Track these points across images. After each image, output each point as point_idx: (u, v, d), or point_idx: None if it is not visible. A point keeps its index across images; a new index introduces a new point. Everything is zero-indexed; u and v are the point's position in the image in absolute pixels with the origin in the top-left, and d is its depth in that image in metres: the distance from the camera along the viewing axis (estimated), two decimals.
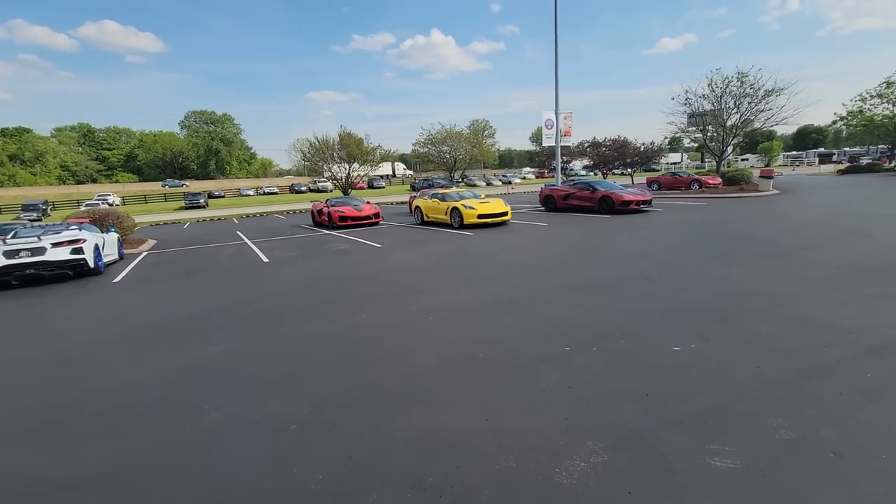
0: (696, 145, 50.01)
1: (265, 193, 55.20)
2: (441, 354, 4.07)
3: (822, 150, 73.73)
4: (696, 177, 26.54)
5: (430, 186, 29.22)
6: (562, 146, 21.91)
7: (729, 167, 32.71)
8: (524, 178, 70.34)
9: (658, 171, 53.53)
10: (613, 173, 39.94)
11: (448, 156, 42.31)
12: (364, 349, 4.36)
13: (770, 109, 29.08)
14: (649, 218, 13.74)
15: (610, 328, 4.43)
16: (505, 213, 13.96)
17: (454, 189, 18.76)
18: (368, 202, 17.63)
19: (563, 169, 34.50)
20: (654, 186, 27.52)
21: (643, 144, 37.34)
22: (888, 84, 34.68)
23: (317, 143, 30.54)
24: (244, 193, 54.22)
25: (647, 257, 7.92)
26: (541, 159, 50.61)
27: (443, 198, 15.06)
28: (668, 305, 5.07)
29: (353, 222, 15.99)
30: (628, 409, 2.93)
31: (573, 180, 21.23)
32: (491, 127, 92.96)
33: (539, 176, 72.90)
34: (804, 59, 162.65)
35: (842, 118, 38.67)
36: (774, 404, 2.88)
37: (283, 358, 4.28)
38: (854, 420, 2.66)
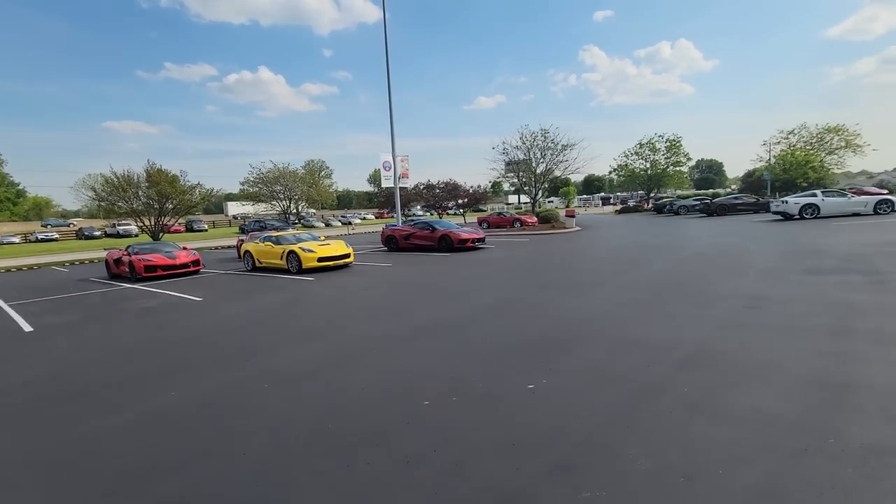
0: (513, 189, 57.46)
1: (40, 240, 43.49)
2: (279, 436, 3.31)
3: (603, 194, 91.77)
4: (518, 216, 30.08)
5: (263, 228, 26.78)
6: (400, 187, 22.50)
7: (541, 208, 38.17)
8: (364, 218, 70.60)
9: (485, 210, 59.79)
10: (448, 213, 42.72)
11: (282, 196, 39.79)
12: (172, 443, 3.31)
13: (567, 160, 35.13)
14: (484, 254, 14.75)
15: (466, 372, 4.27)
16: (347, 255, 13.38)
17: (290, 231, 17.44)
18: (185, 248, 15.09)
19: (403, 209, 35.77)
20: (484, 225, 30.22)
21: (472, 187, 41.35)
22: (640, 145, 45.32)
23: (115, 180, 25.36)
24: (4, 241, 41.62)
25: (487, 293, 8.27)
26: (380, 200, 51.50)
27: (277, 241, 13.76)
28: (515, 340, 5.19)
29: (165, 272, 13.36)
30: (499, 467, 2.70)
31: (413, 220, 21.82)
32: (328, 167, 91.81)
33: (379, 216, 74.04)
34: (586, 122, 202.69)
35: (613, 170, 48.86)
36: (625, 433, 2.98)
37: (33, 483, 2.97)
38: (688, 437, 2.88)
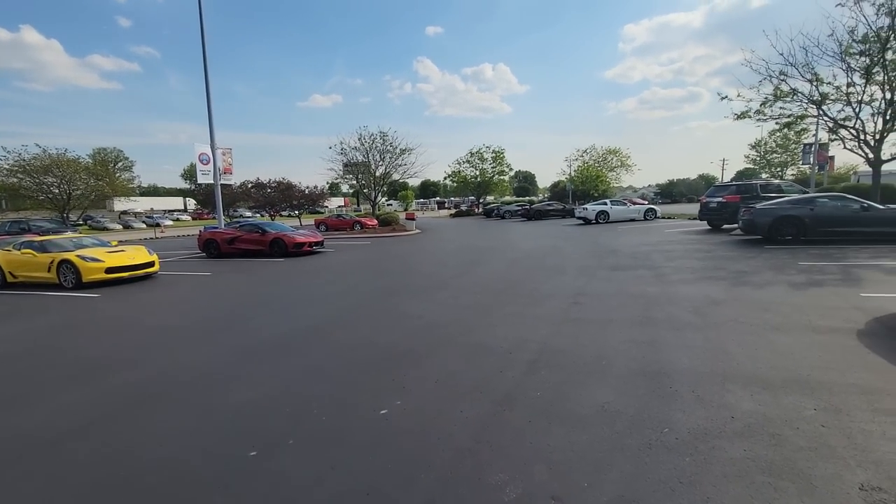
0: (352, 191, 56.35)
1: None
2: None
3: (438, 198, 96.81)
4: (358, 219, 29.38)
5: (26, 231, 20.54)
6: (223, 185, 19.71)
7: (380, 210, 38.18)
8: (178, 219, 60.89)
9: (322, 213, 57.25)
10: (281, 215, 39.46)
11: (57, 190, 31.53)
12: None
13: (405, 164, 35.77)
14: (324, 259, 13.76)
15: (306, 402, 3.59)
16: (150, 264, 10.95)
17: (68, 235, 13.64)
18: None
19: (227, 210, 31.61)
20: (323, 228, 28.73)
21: (308, 188, 38.95)
22: (471, 154, 49.01)
23: None
24: None
25: (329, 302, 7.54)
26: (198, 198, 44.89)
27: (42, 247, 10.51)
28: (363, 356, 4.67)
29: None
30: None
31: (238, 222, 19.35)
32: (127, 158, 76.84)
33: (198, 217, 64.78)
34: (421, 129, 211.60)
35: (448, 176, 51.83)
36: (490, 454, 2.74)
37: None
38: (549, 449, 2.78)
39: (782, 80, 15.24)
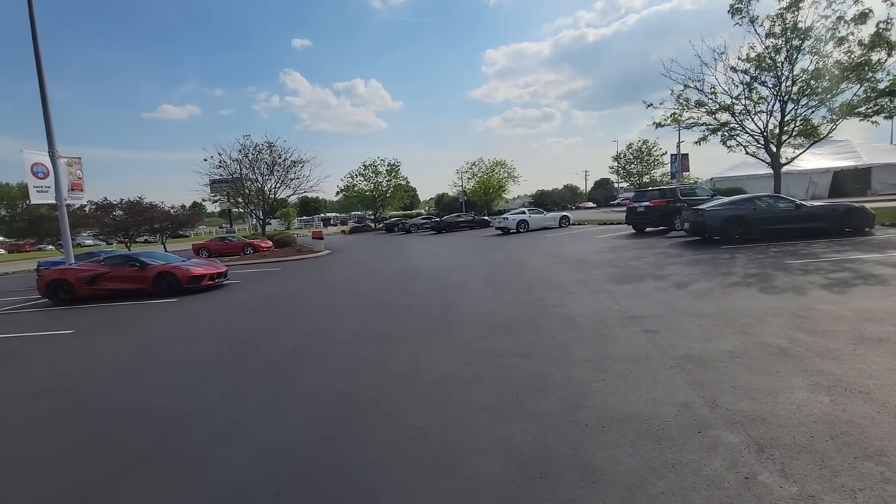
0: (219, 210, 49.46)
1: None
2: None
3: (323, 215, 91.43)
4: (250, 241, 25.28)
5: None
6: (74, 204, 14.80)
7: (257, 231, 33.82)
8: None
9: (188, 236, 49.32)
10: (136, 242, 32.55)
11: None
12: None
13: (298, 178, 32.21)
14: (233, 296, 10.67)
15: None
16: None
17: None
18: None
19: (56, 239, 24.57)
20: (204, 253, 24.10)
21: (172, 208, 32.85)
22: (364, 167, 46.62)
23: None
24: None
25: (253, 365, 5.15)
26: (18, 225, 34.91)
27: None
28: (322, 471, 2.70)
29: None
30: None
31: (97, 254, 14.77)
32: None
33: (15, 249, 51.74)
34: (294, 144, 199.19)
35: (341, 190, 48.62)
36: None
37: None
38: None
39: (687, 89, 16.57)
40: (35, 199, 12.70)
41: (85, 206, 29.48)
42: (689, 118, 16.93)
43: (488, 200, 43.68)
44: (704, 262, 9.44)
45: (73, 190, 13.53)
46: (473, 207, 46.07)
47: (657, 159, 58.51)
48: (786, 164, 16.27)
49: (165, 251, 19.12)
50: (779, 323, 4.98)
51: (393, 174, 46.74)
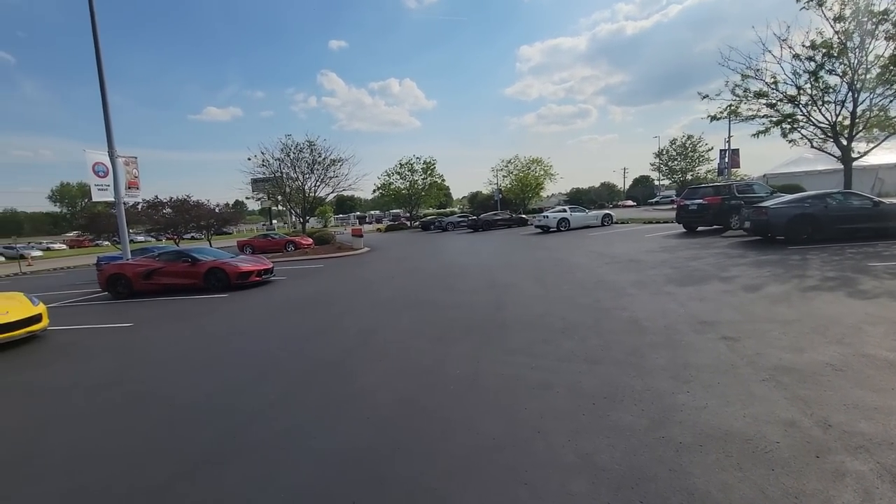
0: (260, 208, 51.01)
1: None
2: None
3: (358, 213, 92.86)
4: (291, 238, 25.80)
5: None
6: (130, 201, 15.51)
7: (298, 228, 34.52)
8: (48, 248, 50.89)
9: (231, 234, 51.03)
10: (184, 239, 33.89)
11: None
12: None
13: (337, 176, 32.67)
14: (282, 291, 10.82)
15: None
16: (33, 320, 7.40)
17: None
18: None
19: (112, 235, 25.85)
20: (248, 250, 24.77)
21: (217, 206, 33.99)
22: (401, 165, 46.87)
23: None
24: None
25: (325, 354, 5.06)
26: (79, 223, 37.11)
27: None
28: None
29: None
30: None
31: (152, 249, 15.38)
32: None
33: (76, 245, 54.88)
34: (331, 143, 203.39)
35: (378, 188, 49.07)
36: None
37: None
38: None
39: (746, 80, 15.57)
40: (96, 196, 13.32)
41: (138, 203, 31.11)
42: (748, 110, 15.90)
43: (524, 198, 42.96)
44: (773, 263, 8.79)
45: (129, 188, 14.14)
46: (509, 205, 45.49)
47: (702, 155, 55.81)
48: (857, 157, 15.05)
49: (211, 246, 19.74)
50: (880, 332, 4.49)
51: (429, 172, 46.76)
